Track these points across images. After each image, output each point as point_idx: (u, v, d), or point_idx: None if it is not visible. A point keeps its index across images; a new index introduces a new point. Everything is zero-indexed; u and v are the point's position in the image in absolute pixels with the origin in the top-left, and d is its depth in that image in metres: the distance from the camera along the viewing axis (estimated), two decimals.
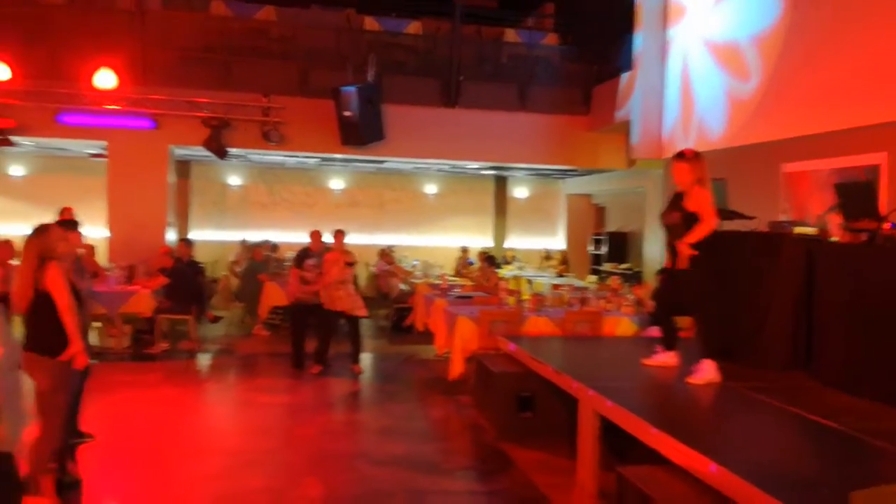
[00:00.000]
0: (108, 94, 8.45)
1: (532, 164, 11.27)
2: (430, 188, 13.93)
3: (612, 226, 13.25)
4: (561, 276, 12.14)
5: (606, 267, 12.38)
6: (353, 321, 7.96)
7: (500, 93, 10.38)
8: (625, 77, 10.04)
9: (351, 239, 8.02)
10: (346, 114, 8.74)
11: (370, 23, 10.16)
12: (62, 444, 4.25)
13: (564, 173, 13.35)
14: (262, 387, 7.43)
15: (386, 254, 11.07)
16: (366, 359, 8.49)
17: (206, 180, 13.10)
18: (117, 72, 8.29)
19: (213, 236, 12.95)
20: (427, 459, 5.37)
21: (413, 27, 10.46)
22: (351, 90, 8.72)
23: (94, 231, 8.45)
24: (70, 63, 8.41)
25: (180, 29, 9.12)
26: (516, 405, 5.76)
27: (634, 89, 9.69)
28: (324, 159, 11.73)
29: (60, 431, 4.11)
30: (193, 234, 12.53)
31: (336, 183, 13.61)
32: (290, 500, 4.51)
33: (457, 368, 7.02)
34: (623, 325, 7.32)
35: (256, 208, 13.40)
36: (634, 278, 10.87)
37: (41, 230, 4.15)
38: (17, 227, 10.55)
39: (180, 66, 8.92)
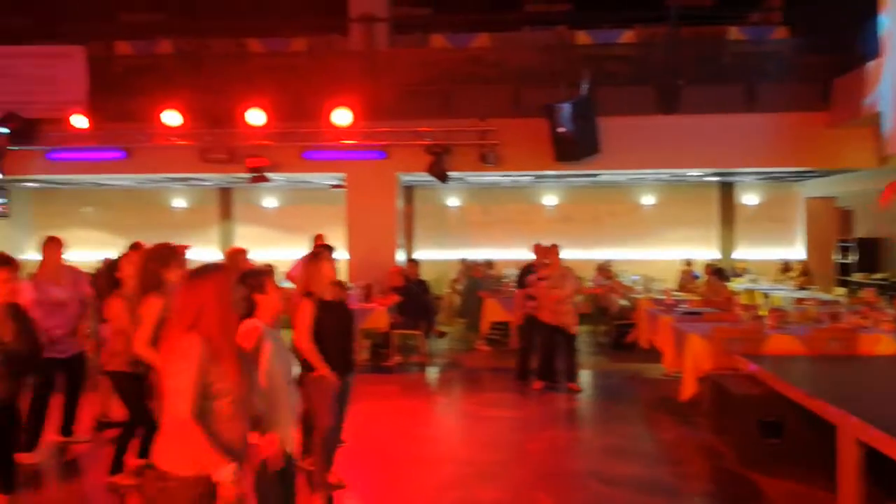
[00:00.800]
0: (345, 130, 9.30)
1: (763, 167, 10.43)
2: (648, 199, 13.45)
3: (860, 231, 11.79)
4: (802, 288, 11.05)
5: (856, 277, 11.04)
6: (570, 337, 7.90)
7: (723, 95, 9.76)
8: (870, 65, 8.94)
9: (566, 254, 7.98)
10: (560, 130, 8.77)
11: (582, 37, 10.14)
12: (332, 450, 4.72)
13: (801, 175, 12.18)
14: (488, 401, 7.63)
15: (604, 269, 10.86)
16: (585, 376, 8.38)
17: (427, 203, 13.86)
18: (352, 109, 9.09)
19: (434, 255, 13.62)
20: (662, 482, 5.16)
21: (626, 36, 10.25)
22: (564, 106, 8.74)
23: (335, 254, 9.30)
24: (312, 104, 9.39)
25: (405, 65, 9.80)
26: (760, 430, 5.32)
27: (882, 77, 8.58)
28: (537, 176, 11.85)
29: (332, 437, 4.58)
30: (417, 254, 13.31)
31: (549, 199, 13.68)
32: None
33: (688, 389, 6.66)
34: (883, 343, 6.46)
35: (474, 227, 13.88)
36: (892, 290, 9.58)
37: (312, 256, 4.66)
38: (271, 252, 11.97)
39: (405, 98, 9.57)
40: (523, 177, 11.76)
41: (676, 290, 10.54)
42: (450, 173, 9.58)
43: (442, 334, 10.52)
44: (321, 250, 4.88)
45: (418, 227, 13.91)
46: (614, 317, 10.54)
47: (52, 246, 5.76)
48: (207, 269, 2.73)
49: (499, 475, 5.31)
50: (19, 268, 3.98)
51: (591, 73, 8.89)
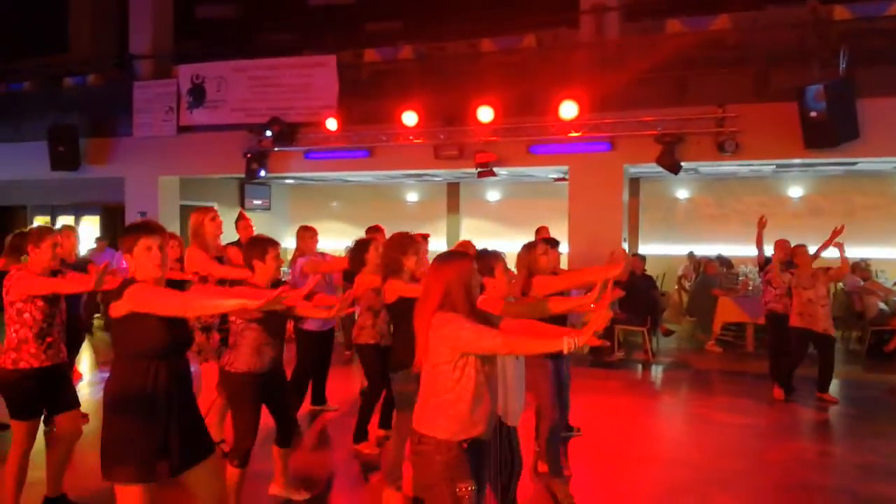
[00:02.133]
0: (571, 122, 9.28)
1: None
2: None
3: None
4: None
5: None
6: (827, 342, 7.14)
7: None
8: None
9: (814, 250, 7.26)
10: (812, 114, 7.95)
11: (840, 11, 9.08)
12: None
13: None
14: (719, 405, 7.22)
15: (861, 268, 9.69)
16: (835, 385, 7.52)
17: (654, 196, 13.36)
18: (578, 101, 9.04)
19: (660, 250, 13.11)
20: None
21: (894, 8, 8.99)
22: (817, 88, 7.91)
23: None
24: (540, 99, 9.49)
25: (635, 53, 9.51)
26: None
27: None
28: (779, 166, 10.87)
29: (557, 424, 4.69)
30: (642, 249, 12.89)
31: (794, 190, 12.48)
32: None
33: None
34: None
35: (705, 221, 13.12)
36: None
37: (528, 246, 4.78)
38: (494, 244, 12.31)
39: (635, 88, 9.29)
40: (765, 166, 10.85)
41: None
42: (682, 164, 9.14)
43: (668, 332, 10.11)
44: (537, 241, 4.98)
45: (644, 221, 13.47)
46: (871, 321, 9.38)
47: (307, 234, 6.51)
48: (453, 256, 2.96)
49: (736, 484, 5.01)
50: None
51: (849, 50, 7.96)
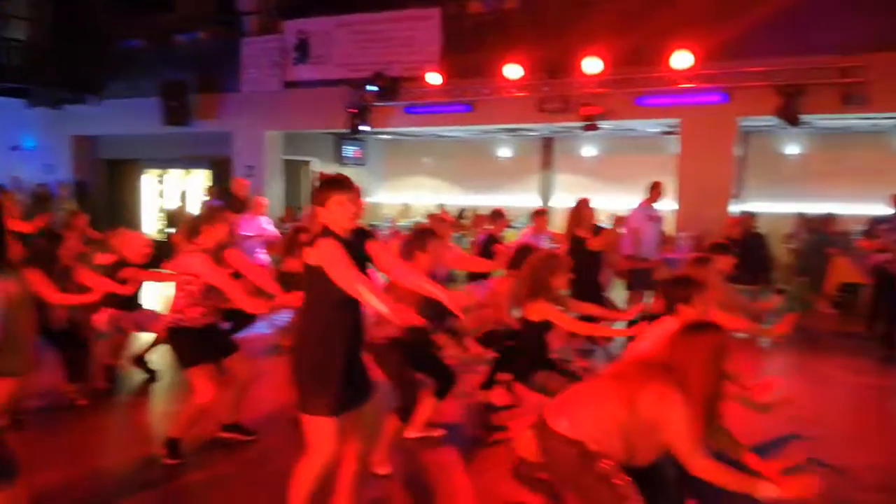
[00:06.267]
0: (683, 73, 8.97)
1: None
2: None
3: None
4: None
5: None
6: None
7: None
8: None
9: None
10: None
11: None
12: None
13: None
14: (838, 364, 7.02)
15: None
16: None
17: (762, 151, 12.79)
18: (692, 50, 8.72)
19: (766, 208, 12.61)
20: None
21: None
22: None
23: (662, 205, 9.10)
24: (650, 49, 9.20)
25: None
26: None
27: None
28: None
29: None
30: (747, 206, 12.43)
31: None
32: None
33: None
34: None
35: (815, 178, 12.46)
36: None
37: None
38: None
39: (751, 35, 8.86)
40: (886, 120, 10.22)
41: None
42: (801, 117, 8.73)
43: (780, 291, 9.79)
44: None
45: (750, 177, 12.96)
46: None
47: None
48: (707, 328, 2.80)
49: (869, 441, 4.90)
50: None
51: None
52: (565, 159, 14.65)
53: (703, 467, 2.60)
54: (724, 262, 4.75)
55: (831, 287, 9.53)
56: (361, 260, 3.10)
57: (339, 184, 3.10)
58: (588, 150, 14.43)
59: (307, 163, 14.16)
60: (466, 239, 10.86)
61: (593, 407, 2.82)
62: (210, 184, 12.77)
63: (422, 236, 4.42)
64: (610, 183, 13.37)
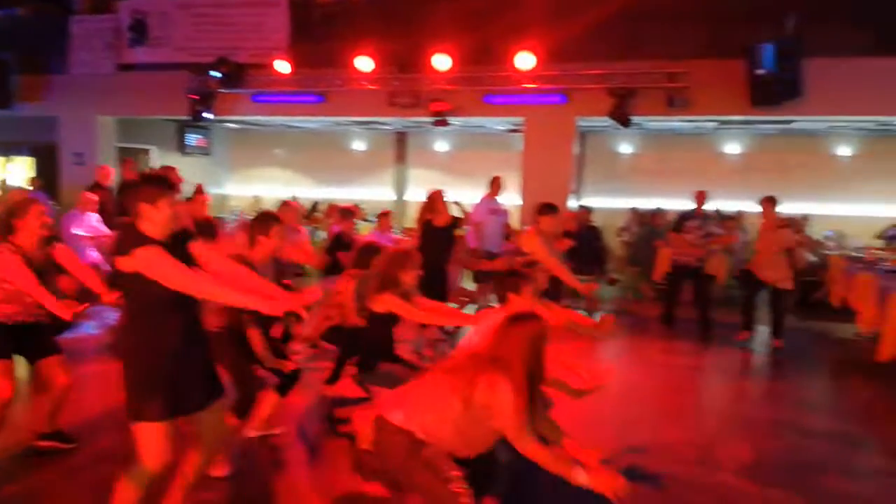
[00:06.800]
0: (527, 73, 9.34)
1: None
2: (845, 150, 12.36)
3: None
4: None
5: None
6: (776, 293, 7.68)
7: None
8: None
9: (747, 207, 7.73)
10: (759, 72, 8.27)
11: None
12: None
13: None
14: (664, 348, 7.63)
15: (795, 222, 10.24)
16: (764, 332, 8.07)
17: (598, 150, 13.63)
18: (535, 52, 9.09)
19: (601, 203, 13.45)
20: (859, 437, 5.01)
21: None
22: (766, 47, 8.21)
23: (507, 199, 9.45)
24: (497, 48, 9.48)
25: (590, 4, 9.51)
26: None
27: None
28: (722, 122, 11.27)
29: None
30: (585, 201, 13.20)
31: (732, 147, 12.97)
32: (718, 457, 4.61)
33: (888, 349, 6.28)
34: None
35: (645, 175, 13.47)
36: None
37: None
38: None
39: (588, 39, 9.37)
40: (707, 122, 11.23)
41: (880, 248, 9.74)
42: (631, 118, 9.37)
43: (613, 281, 10.51)
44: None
45: (587, 174, 13.76)
46: (801, 273, 9.98)
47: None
48: (526, 319, 2.93)
49: (685, 417, 5.37)
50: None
51: (801, 8, 8.26)
52: (419, 154, 14.81)
53: (530, 450, 2.77)
54: (547, 223, 5.02)
55: (658, 276, 10.33)
56: (186, 262, 2.94)
57: (169, 185, 2.95)
58: (441, 146, 14.68)
59: (146, 151, 13.30)
60: (319, 232, 10.71)
61: (429, 401, 2.89)
62: (34, 174, 11.64)
63: (265, 221, 4.32)
64: (461, 178, 13.68)
